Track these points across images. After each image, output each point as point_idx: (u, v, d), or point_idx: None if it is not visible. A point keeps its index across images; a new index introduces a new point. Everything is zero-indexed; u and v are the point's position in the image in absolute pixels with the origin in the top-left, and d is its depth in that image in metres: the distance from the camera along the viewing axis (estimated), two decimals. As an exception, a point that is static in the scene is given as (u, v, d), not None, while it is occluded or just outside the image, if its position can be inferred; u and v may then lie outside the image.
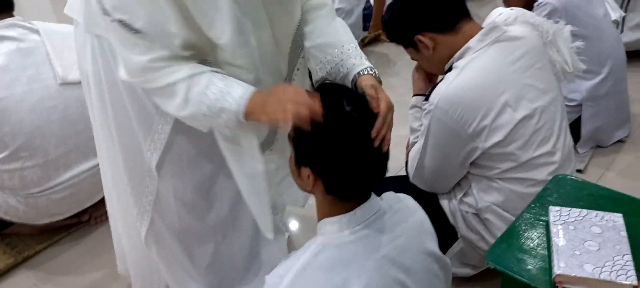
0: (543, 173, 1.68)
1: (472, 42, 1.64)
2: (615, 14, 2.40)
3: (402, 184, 1.89)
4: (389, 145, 1.18)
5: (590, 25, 2.32)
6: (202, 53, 1.25)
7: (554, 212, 1.18)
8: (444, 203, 1.87)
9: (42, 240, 2.28)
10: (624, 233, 1.11)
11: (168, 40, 1.18)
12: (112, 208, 1.73)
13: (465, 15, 1.70)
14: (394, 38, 1.81)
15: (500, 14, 1.78)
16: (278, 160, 1.57)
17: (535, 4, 2.34)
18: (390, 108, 1.21)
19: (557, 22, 1.79)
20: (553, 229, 1.14)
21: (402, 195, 1.34)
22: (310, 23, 1.43)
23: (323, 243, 1.15)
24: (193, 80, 1.20)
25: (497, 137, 1.62)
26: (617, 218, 1.15)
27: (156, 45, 1.18)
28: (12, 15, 2.02)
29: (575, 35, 2.29)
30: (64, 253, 2.26)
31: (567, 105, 2.41)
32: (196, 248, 1.66)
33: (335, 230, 1.18)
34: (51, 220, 2.21)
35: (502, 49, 1.64)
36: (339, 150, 1.12)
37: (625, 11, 2.98)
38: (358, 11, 3.28)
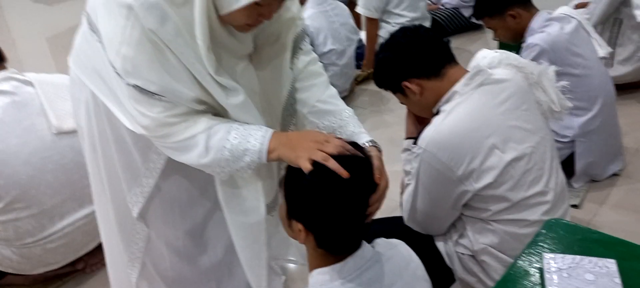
0: (536, 214, 1.68)
1: (458, 86, 1.67)
2: (603, 50, 2.43)
3: (398, 226, 1.90)
4: (372, 217, 1.23)
5: (578, 64, 2.35)
6: (215, 108, 1.29)
7: (548, 259, 1.19)
8: (440, 245, 1.87)
9: (35, 290, 2.26)
10: (617, 280, 1.12)
11: (182, 99, 1.23)
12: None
13: (450, 60, 1.74)
14: (382, 85, 1.84)
15: (485, 57, 1.81)
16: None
17: (523, 45, 2.38)
18: (387, 186, 1.25)
19: (540, 63, 1.82)
20: (547, 277, 1.14)
21: (394, 241, 1.35)
22: (306, 91, 1.48)
23: None
24: (212, 130, 1.26)
25: (487, 180, 1.63)
26: (611, 265, 1.15)
27: (171, 104, 1.22)
28: (5, 68, 2.04)
29: (563, 74, 2.34)
30: (57, 303, 2.25)
31: (559, 142, 2.44)
32: None
33: (326, 281, 1.19)
34: (46, 270, 2.20)
35: (488, 92, 1.67)
36: (332, 211, 1.14)
37: (614, 46, 3.03)
38: (350, 51, 3.33)
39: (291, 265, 2.21)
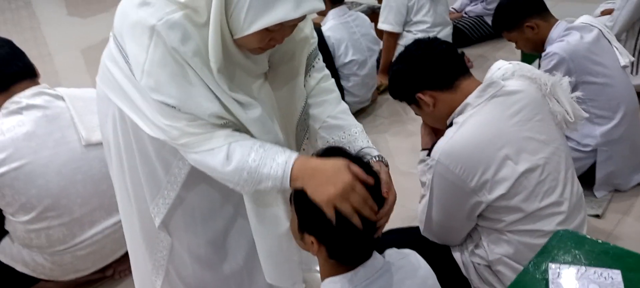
0: (551, 224, 1.69)
1: (470, 98, 1.69)
2: (624, 59, 2.41)
3: (415, 236, 1.93)
4: (380, 233, 1.26)
5: (598, 72, 2.34)
6: (235, 124, 1.33)
7: (553, 269, 1.20)
8: (457, 255, 1.89)
9: (67, 296, 2.35)
10: (622, 291, 1.13)
11: (202, 113, 1.27)
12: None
13: (464, 72, 1.76)
14: (397, 96, 1.88)
15: (499, 68, 1.83)
16: None
17: (543, 54, 2.39)
18: (395, 200, 1.29)
19: (554, 73, 1.82)
20: (552, 287, 1.16)
21: (406, 251, 1.37)
22: (319, 106, 1.52)
23: None
24: (232, 146, 1.28)
25: (500, 191, 1.64)
26: (616, 275, 1.16)
27: (193, 116, 1.27)
28: (37, 83, 2.14)
29: (584, 83, 2.35)
30: (87, 309, 2.33)
31: (581, 151, 2.43)
32: None
33: None
34: (76, 276, 2.29)
35: (500, 104, 1.68)
36: (343, 224, 1.17)
37: (639, 55, 3.00)
38: (371, 61, 3.36)
39: (316, 275, 2.25)
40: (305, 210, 1.23)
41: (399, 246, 1.40)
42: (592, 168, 2.48)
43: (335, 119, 1.51)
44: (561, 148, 1.76)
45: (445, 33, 3.74)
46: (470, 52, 4.12)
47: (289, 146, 1.51)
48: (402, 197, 1.91)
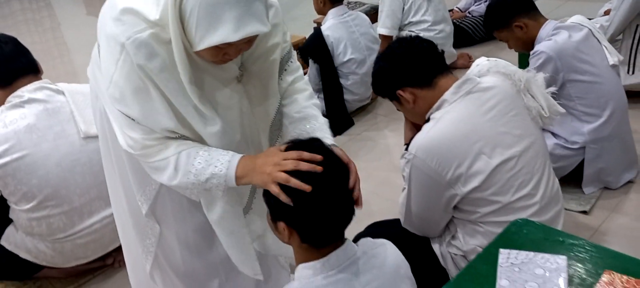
0: (523, 216, 1.73)
1: (447, 95, 1.75)
2: (613, 58, 2.44)
3: (397, 228, 2.00)
4: (361, 205, 1.31)
5: (586, 71, 2.37)
6: (188, 138, 1.43)
7: (504, 254, 1.26)
8: (436, 246, 1.95)
9: (68, 283, 2.46)
10: (564, 275, 1.17)
11: (157, 127, 1.38)
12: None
13: (443, 70, 1.81)
14: (379, 92, 1.94)
15: (477, 65, 1.88)
16: (259, 221, 1.70)
17: (531, 52, 2.42)
18: (356, 169, 1.33)
19: (536, 70, 1.87)
20: (499, 271, 1.22)
21: (380, 241, 1.40)
22: (289, 104, 1.61)
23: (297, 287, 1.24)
24: (181, 154, 1.39)
25: (474, 183, 1.70)
26: (561, 261, 1.21)
27: (149, 129, 1.38)
28: (39, 78, 2.25)
29: (572, 81, 2.39)
30: (88, 295, 2.44)
31: (569, 149, 2.46)
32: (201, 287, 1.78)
33: (309, 275, 1.25)
34: (77, 263, 2.39)
35: (476, 100, 1.74)
36: (307, 203, 1.22)
37: (637, 53, 3.01)
38: (370, 60, 3.41)
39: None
40: (271, 199, 1.28)
41: (382, 237, 1.43)
42: (581, 166, 2.51)
43: (300, 112, 1.59)
44: (536, 142, 1.81)
45: (446, 31, 3.78)
46: (474, 52, 4.15)
47: (261, 147, 1.60)
48: (396, 193, 1.98)
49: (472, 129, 1.71)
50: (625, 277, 1.18)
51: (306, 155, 1.25)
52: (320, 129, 1.55)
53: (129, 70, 1.32)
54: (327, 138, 1.52)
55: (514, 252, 1.26)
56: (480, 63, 1.90)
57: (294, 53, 1.66)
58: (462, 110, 1.73)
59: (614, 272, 1.19)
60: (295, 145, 1.33)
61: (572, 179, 2.56)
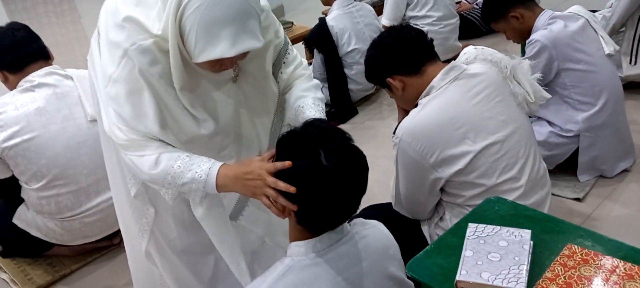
0: (508, 199, 1.79)
1: (434, 81, 1.81)
2: (609, 48, 2.46)
3: (390, 211, 2.06)
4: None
5: (580, 60, 2.40)
6: (172, 143, 1.51)
7: (472, 228, 1.32)
8: (424, 228, 2.01)
9: (77, 260, 2.58)
10: (526, 247, 1.23)
11: (144, 129, 1.46)
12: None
13: (431, 58, 1.87)
14: (371, 80, 2.01)
15: (465, 53, 1.93)
16: (250, 226, 1.80)
17: (527, 41, 2.46)
18: None
19: (513, 57, 1.91)
20: (466, 243, 1.28)
21: (372, 222, 1.42)
22: (290, 90, 1.69)
23: (289, 265, 1.25)
24: (162, 155, 1.46)
25: (458, 166, 1.76)
26: (525, 234, 1.27)
27: (136, 130, 1.46)
28: (50, 64, 2.36)
29: (566, 70, 2.42)
30: (95, 272, 2.55)
31: (564, 137, 2.49)
32: (197, 263, 1.86)
33: (301, 253, 1.26)
34: (85, 241, 2.50)
35: (462, 86, 1.79)
36: (312, 196, 1.20)
37: (638, 45, 3.02)
38: (374, 50, 3.47)
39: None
40: (280, 179, 1.27)
41: (375, 219, 1.44)
42: (577, 154, 2.54)
43: (294, 95, 1.66)
44: (522, 127, 1.85)
45: (451, 24, 3.81)
46: (481, 44, 4.13)
47: (257, 145, 1.68)
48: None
49: (457, 114, 1.76)
50: (585, 251, 1.23)
51: (281, 185, 1.24)
52: (309, 106, 1.61)
53: (128, 73, 1.42)
54: (317, 113, 1.58)
55: (482, 226, 1.31)
56: (468, 51, 1.95)
57: (290, 45, 1.72)
58: (448, 96, 1.79)
59: (575, 246, 1.25)
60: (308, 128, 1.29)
61: (568, 167, 2.59)
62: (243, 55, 1.42)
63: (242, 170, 1.40)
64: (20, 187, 2.39)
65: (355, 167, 1.23)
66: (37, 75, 2.29)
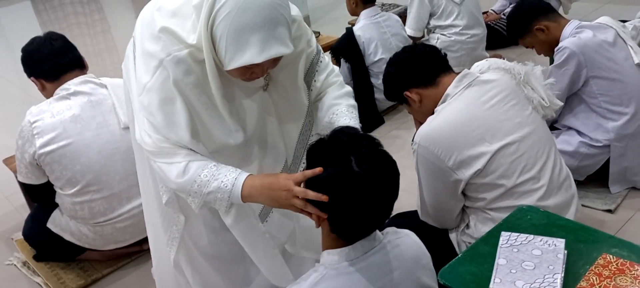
0: (530, 200, 1.79)
1: (449, 89, 1.86)
2: (638, 57, 2.43)
3: (418, 220, 2.07)
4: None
5: (609, 68, 2.38)
6: (201, 152, 1.54)
7: (505, 236, 1.32)
8: (452, 236, 2.03)
9: (108, 265, 2.63)
10: (560, 256, 1.23)
11: (175, 138, 1.49)
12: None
13: (445, 69, 1.93)
14: (389, 97, 2.07)
15: (477, 65, 1.99)
16: (282, 225, 1.82)
17: (555, 49, 2.45)
18: None
19: (525, 64, 1.95)
20: (499, 251, 1.28)
21: (404, 231, 1.42)
22: (322, 99, 1.71)
23: (323, 273, 1.26)
24: (190, 163, 1.49)
25: (476, 167, 1.79)
26: (559, 243, 1.26)
27: (167, 138, 1.49)
28: (85, 73, 2.42)
29: (595, 78, 2.41)
30: (126, 277, 2.60)
31: (594, 146, 2.47)
32: (228, 268, 1.88)
33: (334, 262, 1.28)
34: (116, 247, 2.55)
35: (476, 91, 1.84)
36: (344, 203, 1.22)
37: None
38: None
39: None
40: (312, 187, 1.29)
41: (403, 228, 1.45)
42: (608, 165, 2.51)
43: (327, 102, 1.68)
44: (538, 130, 1.88)
45: (478, 35, 3.80)
46: (507, 54, 4.15)
47: (286, 152, 1.71)
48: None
49: (472, 117, 1.81)
50: (621, 260, 1.22)
51: (311, 194, 1.27)
52: (343, 114, 1.63)
53: (162, 82, 1.46)
54: (352, 121, 1.60)
55: (515, 234, 1.31)
56: (480, 63, 2.01)
57: (322, 52, 1.75)
58: (462, 101, 1.84)
59: (610, 255, 1.24)
60: (338, 136, 1.30)
61: (598, 178, 2.56)
62: (274, 62, 1.45)
63: (268, 181, 1.42)
64: (54, 192, 2.45)
65: (386, 173, 1.24)
66: (72, 84, 2.35)
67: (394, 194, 1.27)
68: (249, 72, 1.43)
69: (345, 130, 1.31)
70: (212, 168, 1.48)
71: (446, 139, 1.78)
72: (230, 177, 1.47)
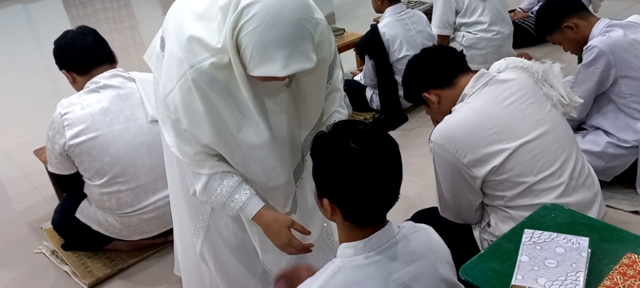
0: (550, 197, 1.79)
1: (466, 89, 1.87)
2: (670, 57, 2.40)
3: (440, 216, 2.08)
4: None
5: (639, 67, 2.35)
6: (221, 157, 1.62)
7: (528, 233, 1.32)
8: (475, 233, 2.03)
9: (134, 255, 2.69)
10: (584, 254, 1.22)
11: (197, 141, 1.57)
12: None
13: (463, 70, 1.93)
14: (409, 99, 2.09)
15: (495, 65, 1.99)
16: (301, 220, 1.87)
17: (584, 47, 2.42)
18: None
19: (543, 62, 1.93)
20: (521, 248, 1.28)
21: (421, 225, 1.43)
22: (326, 102, 1.76)
23: (340, 265, 1.27)
24: (211, 178, 1.62)
25: (493, 164, 1.79)
26: (583, 241, 1.26)
27: (192, 143, 1.57)
28: (114, 67, 2.47)
29: (624, 77, 2.38)
30: (151, 267, 2.65)
31: (622, 147, 2.44)
32: (250, 259, 1.92)
33: (351, 254, 1.29)
34: (142, 237, 2.60)
35: (493, 91, 1.85)
36: (348, 181, 1.24)
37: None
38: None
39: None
40: (318, 176, 1.33)
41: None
42: (635, 166, 2.48)
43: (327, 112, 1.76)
44: (557, 128, 1.87)
45: (504, 32, 3.77)
46: (534, 52, 4.12)
47: (294, 152, 1.74)
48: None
49: (488, 117, 1.81)
50: (646, 260, 1.21)
51: (297, 226, 1.61)
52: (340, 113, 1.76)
53: (187, 89, 1.49)
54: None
55: (538, 232, 1.31)
56: (498, 62, 2.01)
57: (337, 54, 1.78)
58: (479, 100, 1.85)
59: (636, 255, 1.23)
60: (337, 128, 1.34)
61: (625, 179, 2.53)
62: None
63: (271, 225, 1.65)
64: (83, 183, 2.50)
65: (384, 148, 1.26)
66: (102, 77, 2.40)
67: (397, 172, 1.28)
68: (270, 78, 1.45)
69: (343, 121, 1.39)
70: (226, 186, 1.63)
71: (461, 137, 1.80)
72: (244, 198, 1.64)
